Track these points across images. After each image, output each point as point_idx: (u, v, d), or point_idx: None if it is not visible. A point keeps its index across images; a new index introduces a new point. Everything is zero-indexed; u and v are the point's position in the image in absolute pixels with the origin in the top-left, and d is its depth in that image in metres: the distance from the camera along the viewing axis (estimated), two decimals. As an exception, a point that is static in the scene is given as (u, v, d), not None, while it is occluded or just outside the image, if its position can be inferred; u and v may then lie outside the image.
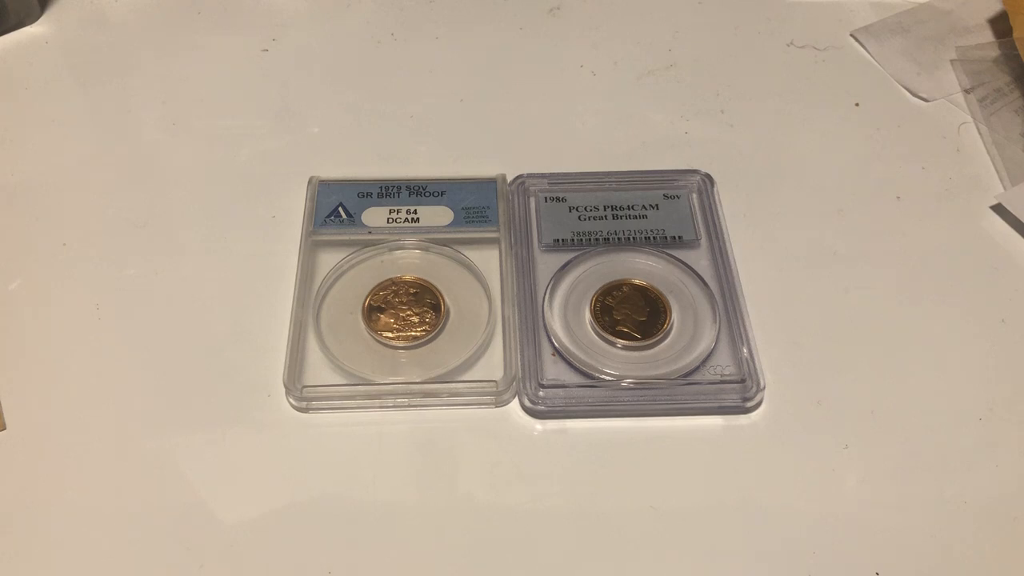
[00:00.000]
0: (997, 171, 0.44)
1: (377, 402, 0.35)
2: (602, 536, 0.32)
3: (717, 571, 0.32)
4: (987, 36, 0.49)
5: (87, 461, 0.34)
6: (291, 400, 0.35)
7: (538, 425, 0.35)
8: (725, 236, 0.40)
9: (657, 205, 0.41)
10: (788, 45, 0.50)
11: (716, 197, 0.41)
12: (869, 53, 0.49)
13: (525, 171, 0.42)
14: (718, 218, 0.41)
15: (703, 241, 0.40)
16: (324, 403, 0.35)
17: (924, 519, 0.33)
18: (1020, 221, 0.41)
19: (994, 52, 0.48)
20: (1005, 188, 0.43)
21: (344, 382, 0.36)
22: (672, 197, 0.41)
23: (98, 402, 0.36)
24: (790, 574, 0.32)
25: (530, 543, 0.32)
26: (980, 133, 0.45)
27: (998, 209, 0.42)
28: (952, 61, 0.48)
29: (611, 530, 0.32)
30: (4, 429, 0.35)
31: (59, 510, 0.33)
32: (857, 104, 0.47)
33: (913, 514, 0.33)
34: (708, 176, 0.42)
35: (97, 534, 0.32)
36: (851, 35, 0.50)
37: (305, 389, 0.35)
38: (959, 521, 0.33)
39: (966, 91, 0.47)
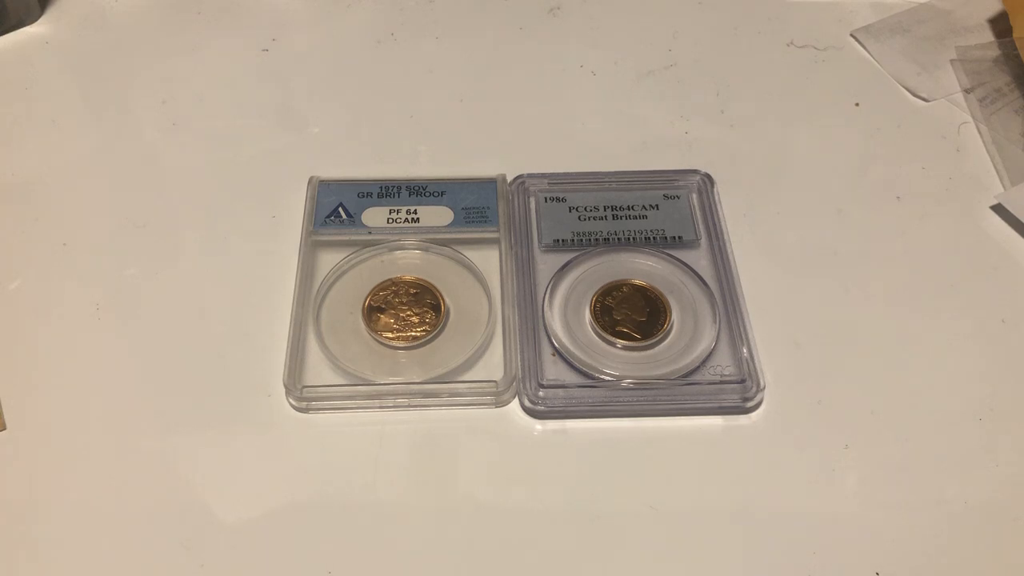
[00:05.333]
0: (997, 171, 0.44)
1: (377, 402, 0.35)
2: (602, 536, 0.32)
3: (717, 571, 0.32)
4: (987, 36, 0.49)
5: (87, 461, 0.34)
6: (291, 400, 0.35)
7: (538, 425, 0.35)
8: (725, 236, 0.40)
9: (657, 205, 0.41)
10: (788, 45, 0.50)
11: (716, 197, 0.41)
12: (869, 53, 0.49)
13: (525, 171, 0.42)
14: (718, 218, 0.41)
15: (703, 241, 0.40)
16: (324, 403, 0.35)
17: (924, 519, 0.33)
18: (1020, 221, 0.41)
19: (994, 52, 0.48)
20: (1005, 188, 0.43)
21: (344, 382, 0.36)
22: (672, 197, 0.41)
23: (98, 402, 0.36)
24: (790, 574, 0.31)
25: (530, 543, 0.32)
26: (980, 133, 0.45)
27: (998, 209, 0.42)
28: (952, 61, 0.48)
29: (611, 530, 0.32)
30: (4, 429, 0.35)
31: (59, 510, 0.33)
32: (857, 104, 0.47)
33: (913, 514, 0.33)
34: (708, 176, 0.42)
35: (97, 534, 0.32)
36: (851, 35, 0.50)
37: (305, 389, 0.35)
38: (959, 521, 0.33)
39: (966, 91, 0.47)
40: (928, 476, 0.34)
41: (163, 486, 0.33)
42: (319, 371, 0.36)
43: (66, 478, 0.34)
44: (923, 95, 0.47)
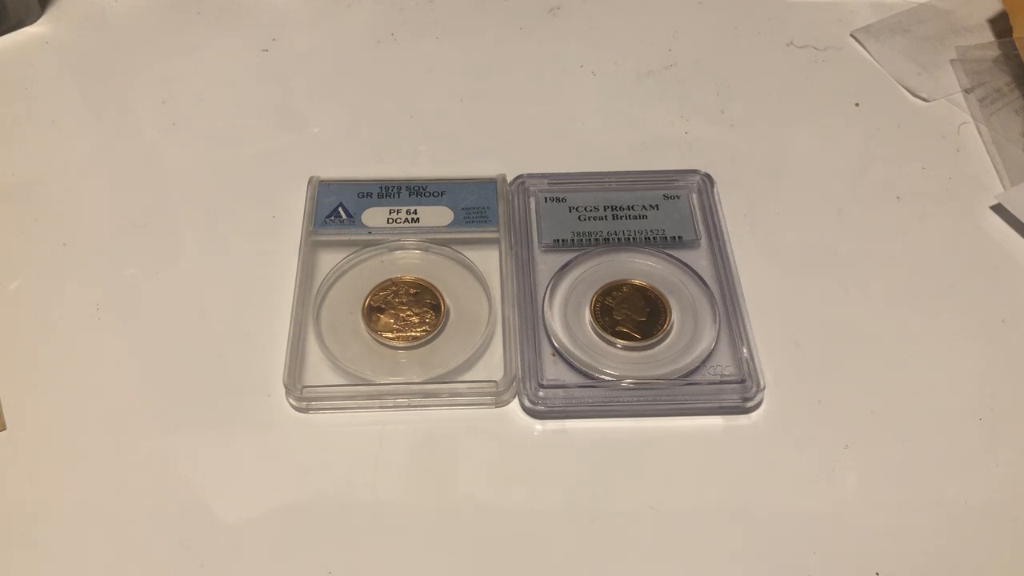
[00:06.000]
0: (997, 171, 0.44)
1: (377, 402, 0.35)
2: (602, 536, 0.32)
3: (717, 571, 0.32)
4: (987, 36, 0.49)
5: (87, 461, 0.34)
6: (291, 400, 0.35)
7: (538, 425, 0.35)
8: (725, 236, 0.40)
9: (657, 205, 0.41)
10: (788, 45, 0.50)
11: (716, 197, 0.41)
12: (869, 53, 0.49)
13: (525, 171, 0.42)
14: (718, 218, 0.40)
15: (703, 241, 0.40)
16: (324, 403, 0.35)
17: (924, 519, 0.33)
18: (1020, 221, 0.41)
19: (994, 52, 0.48)
20: (1005, 188, 0.43)
21: (344, 382, 0.36)
22: (672, 197, 0.41)
23: (98, 402, 0.36)
24: (790, 574, 0.31)
25: (530, 543, 0.32)
26: (980, 133, 0.45)
27: (998, 209, 0.42)
28: (952, 61, 0.48)
29: (611, 530, 0.32)
30: (4, 429, 0.35)
31: (59, 510, 0.33)
32: (857, 104, 0.47)
33: (913, 514, 0.33)
34: (708, 176, 0.42)
35: (97, 534, 0.32)
36: (851, 35, 0.50)
37: (305, 389, 0.35)
38: (959, 521, 0.33)
39: (966, 91, 0.47)
40: (928, 476, 0.34)
41: (163, 486, 0.33)
42: (319, 371, 0.36)
43: (66, 478, 0.34)
44: (923, 95, 0.47)
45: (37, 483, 0.34)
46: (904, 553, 0.32)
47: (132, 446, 0.34)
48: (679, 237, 0.40)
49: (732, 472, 0.34)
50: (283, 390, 0.35)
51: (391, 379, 0.35)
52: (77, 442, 0.34)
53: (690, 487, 0.34)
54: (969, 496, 0.33)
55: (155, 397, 0.36)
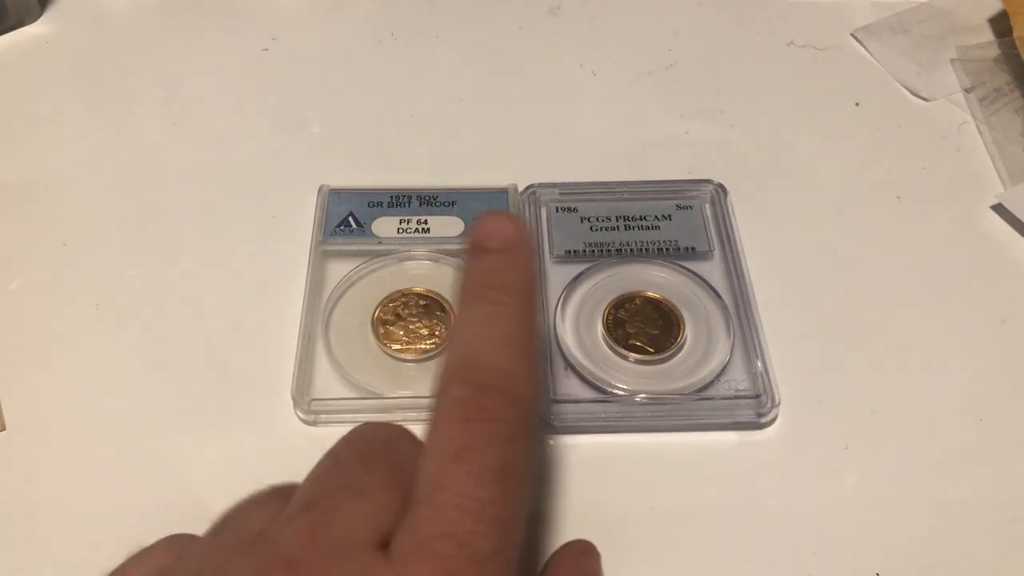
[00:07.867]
0: (997, 171, 0.44)
1: (387, 416, 0.35)
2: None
3: (717, 571, 0.32)
4: (987, 36, 0.50)
5: (87, 462, 0.34)
6: (299, 413, 0.35)
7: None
8: (738, 247, 0.39)
9: (670, 215, 0.40)
10: (788, 45, 0.50)
11: (729, 207, 0.41)
12: (869, 53, 0.49)
13: (531, 177, 0.41)
14: (731, 228, 0.40)
15: (716, 252, 0.39)
16: (333, 416, 0.35)
17: (924, 519, 0.33)
18: (1020, 221, 0.41)
19: (994, 52, 0.48)
20: (1005, 188, 0.43)
21: (353, 395, 0.35)
22: (685, 207, 0.41)
23: (98, 402, 0.35)
24: (790, 574, 0.32)
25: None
26: (980, 133, 0.45)
27: (998, 209, 0.42)
28: (952, 61, 0.48)
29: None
30: (4, 429, 0.35)
31: (59, 511, 0.33)
32: (857, 104, 0.47)
33: (913, 514, 0.33)
34: (721, 186, 0.42)
35: (97, 535, 0.32)
36: (851, 35, 0.50)
37: (314, 402, 0.35)
38: (959, 521, 0.33)
39: (966, 91, 0.47)
40: (928, 476, 0.34)
41: (164, 489, 0.33)
42: (328, 383, 0.36)
43: (66, 478, 0.33)
44: (923, 95, 0.47)
45: (37, 483, 0.33)
46: (904, 553, 0.32)
47: (133, 448, 0.34)
48: (692, 248, 0.39)
49: (734, 472, 0.34)
50: (291, 402, 0.35)
51: (400, 392, 0.35)
52: (77, 442, 0.34)
53: (694, 490, 0.33)
54: (969, 496, 0.33)
55: (156, 399, 0.35)
